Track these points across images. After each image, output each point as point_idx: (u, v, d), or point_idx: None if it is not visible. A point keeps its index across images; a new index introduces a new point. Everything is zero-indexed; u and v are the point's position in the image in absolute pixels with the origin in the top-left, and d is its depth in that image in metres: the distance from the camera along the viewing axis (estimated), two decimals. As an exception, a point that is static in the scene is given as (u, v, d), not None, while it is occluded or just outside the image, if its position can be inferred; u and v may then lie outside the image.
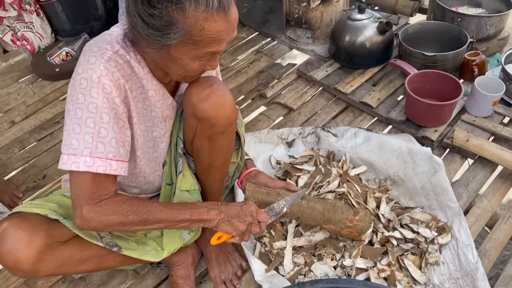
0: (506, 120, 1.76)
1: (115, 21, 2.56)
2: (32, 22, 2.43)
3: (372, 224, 1.32)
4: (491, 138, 1.68)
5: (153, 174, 1.21)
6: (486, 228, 1.48)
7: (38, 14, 2.45)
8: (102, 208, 0.96)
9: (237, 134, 1.25)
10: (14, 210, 1.03)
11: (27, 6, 2.39)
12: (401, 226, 1.40)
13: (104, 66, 0.92)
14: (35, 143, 1.93)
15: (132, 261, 1.19)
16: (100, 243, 1.04)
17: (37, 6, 2.45)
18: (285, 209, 1.21)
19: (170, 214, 1.03)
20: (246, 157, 1.39)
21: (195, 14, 0.84)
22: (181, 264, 1.31)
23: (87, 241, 1.02)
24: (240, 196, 1.49)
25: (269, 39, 2.44)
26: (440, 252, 1.35)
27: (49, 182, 1.73)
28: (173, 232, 1.21)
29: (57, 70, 2.28)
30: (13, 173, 1.80)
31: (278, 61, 2.28)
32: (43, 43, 2.50)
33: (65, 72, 2.27)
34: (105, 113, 0.93)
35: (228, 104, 1.08)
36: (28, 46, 2.44)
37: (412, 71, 1.78)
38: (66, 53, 2.34)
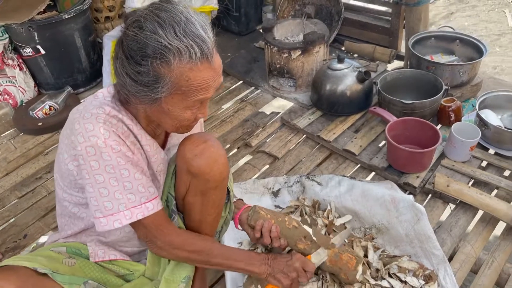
0: (484, 163, 1.81)
1: (99, 73, 2.60)
2: (15, 77, 2.44)
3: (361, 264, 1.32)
4: (471, 183, 1.72)
5: None
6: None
7: (21, 69, 2.47)
8: (169, 243, 1.09)
9: (227, 190, 1.26)
10: (2, 264, 1.00)
11: (10, 61, 2.41)
12: (389, 275, 1.39)
13: (104, 129, 0.95)
14: (16, 200, 1.89)
15: None
16: None
17: (20, 60, 2.47)
18: (326, 256, 1.27)
19: (229, 261, 1.17)
20: (235, 198, 1.40)
21: (180, 66, 0.89)
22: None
23: None
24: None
25: (252, 88, 2.50)
26: (428, 302, 1.34)
27: (30, 242, 1.68)
28: (171, 282, 1.20)
29: (39, 124, 2.28)
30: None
31: (262, 109, 2.32)
32: (26, 97, 2.50)
33: (48, 126, 2.27)
34: (124, 169, 0.98)
35: (221, 160, 1.11)
36: (10, 101, 2.43)
37: (392, 118, 1.83)
38: (49, 106, 2.34)
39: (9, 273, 0.96)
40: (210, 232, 1.25)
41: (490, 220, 1.59)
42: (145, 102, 0.95)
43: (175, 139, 1.20)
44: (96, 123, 0.95)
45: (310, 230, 1.29)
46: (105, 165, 0.95)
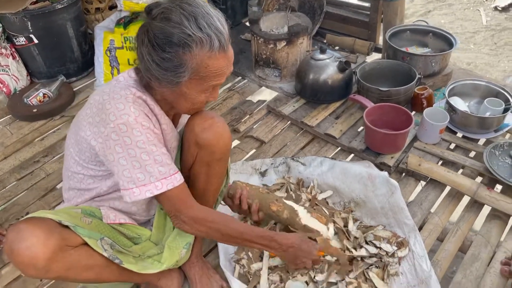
0: (452, 146, 1.98)
1: (90, 63, 2.69)
2: (8, 65, 2.51)
3: (333, 225, 1.51)
4: (440, 162, 1.89)
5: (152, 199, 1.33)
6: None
7: (14, 58, 2.54)
8: (192, 218, 1.18)
9: None
10: (28, 216, 1.10)
11: (3, 50, 2.48)
12: (366, 243, 1.55)
13: (134, 108, 1.07)
14: (16, 182, 1.98)
15: (127, 278, 1.28)
16: (104, 253, 1.14)
17: (13, 49, 2.55)
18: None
19: (245, 243, 1.27)
20: None
21: (201, 54, 1.02)
22: (169, 287, 1.41)
23: (92, 250, 1.12)
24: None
25: (239, 78, 2.62)
26: (399, 264, 1.50)
27: (33, 219, 1.78)
28: (174, 248, 1.32)
29: (34, 110, 2.36)
30: (-6, 212, 1.85)
31: (249, 98, 2.46)
32: (19, 85, 2.57)
33: (43, 112, 2.36)
34: (152, 144, 1.09)
35: (226, 134, 1.27)
36: (4, 89, 2.51)
37: (370, 104, 1.99)
38: (44, 94, 2.43)
39: (38, 221, 1.07)
40: (211, 201, 1.40)
41: (456, 195, 1.76)
42: (166, 86, 1.08)
43: (184, 119, 1.34)
44: (126, 103, 1.07)
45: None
46: (137, 140, 1.07)
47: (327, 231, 1.47)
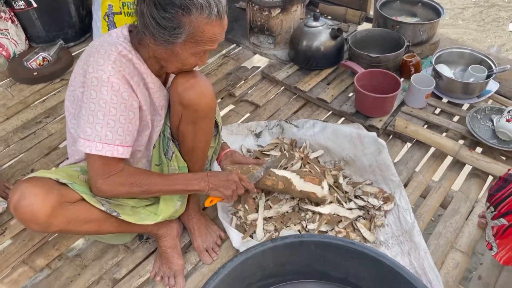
0: (437, 111, 2.09)
1: (88, 28, 2.72)
2: (7, 29, 2.53)
3: (326, 181, 1.60)
4: (425, 126, 2.00)
5: (146, 153, 1.42)
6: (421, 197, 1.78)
7: (13, 22, 2.56)
8: (113, 181, 1.21)
9: (215, 122, 1.48)
10: (28, 176, 1.20)
11: (2, 14, 2.50)
12: (355, 197, 1.67)
13: (112, 67, 1.13)
14: (19, 140, 2.05)
15: (127, 229, 1.39)
16: (102, 208, 1.24)
17: (12, 13, 2.56)
18: (262, 174, 1.50)
19: (167, 186, 1.29)
20: (222, 141, 1.63)
21: (199, 19, 1.09)
22: (168, 236, 1.51)
23: (91, 204, 1.22)
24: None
25: (234, 45, 2.68)
26: (385, 217, 1.63)
27: (38, 175, 1.87)
28: (168, 201, 1.41)
29: (35, 74, 2.40)
30: (0, 169, 1.92)
31: (244, 64, 2.53)
32: (18, 49, 2.60)
33: (43, 75, 2.40)
34: (113, 107, 1.15)
35: (209, 93, 1.31)
36: (3, 52, 2.54)
37: (360, 70, 2.08)
38: (43, 58, 2.47)
39: (37, 180, 1.17)
40: (202, 156, 1.46)
41: (439, 156, 1.88)
42: (160, 44, 1.13)
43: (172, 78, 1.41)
44: (107, 60, 1.13)
45: (272, 169, 1.56)
46: (100, 98, 1.13)
47: (322, 190, 1.57)
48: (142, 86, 1.23)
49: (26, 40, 2.66)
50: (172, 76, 1.39)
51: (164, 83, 1.38)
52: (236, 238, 1.54)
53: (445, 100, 2.13)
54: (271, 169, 1.55)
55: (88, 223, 1.27)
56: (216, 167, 1.65)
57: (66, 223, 1.20)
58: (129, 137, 1.20)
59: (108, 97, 1.13)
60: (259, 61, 2.59)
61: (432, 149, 1.90)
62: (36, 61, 2.44)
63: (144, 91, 1.24)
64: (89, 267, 1.53)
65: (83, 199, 1.22)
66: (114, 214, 1.28)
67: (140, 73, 1.22)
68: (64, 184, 1.20)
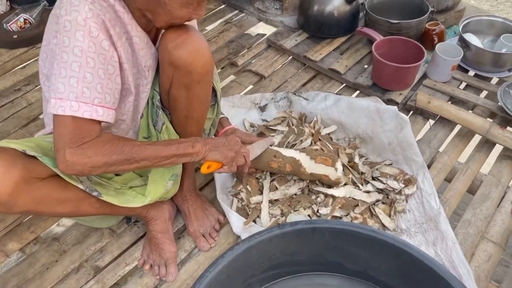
0: (462, 85, 1.88)
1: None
2: (-14, -12, 2.31)
3: (340, 161, 1.41)
4: (450, 102, 1.79)
5: (132, 124, 1.20)
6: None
7: (-8, -20, 2.33)
8: (85, 150, 0.94)
9: (213, 90, 1.26)
10: None
11: (-20, -29, 2.27)
12: (373, 179, 1.47)
13: (89, 8, 0.90)
14: (-5, 110, 1.85)
15: (109, 211, 1.18)
16: (80, 186, 1.03)
17: (-9, -29, 2.33)
18: (259, 151, 1.31)
19: (155, 150, 1.04)
20: (221, 116, 1.41)
21: None
22: (158, 219, 1.31)
23: (66, 181, 1.01)
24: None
25: (237, 11, 2.44)
26: (407, 202, 1.43)
27: (14, 148, 1.66)
28: (158, 181, 1.21)
29: (15, 37, 2.17)
30: (-26, 140, 1.72)
31: (248, 31, 2.29)
32: (-2, 11, 2.38)
33: (24, 39, 2.18)
34: (91, 57, 0.91)
35: (204, 51, 1.07)
36: (-19, 13, 2.32)
37: (378, 37, 1.86)
38: (24, 20, 2.23)
39: None
40: (197, 129, 1.25)
41: (466, 134, 1.67)
42: None
43: None
44: (84, 0, 0.90)
45: (278, 149, 1.37)
46: (75, 45, 0.89)
47: (336, 172, 1.37)
48: (124, 39, 1.00)
49: (7, 1, 2.41)
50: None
51: (154, 41, 1.14)
52: (236, 223, 1.35)
53: (471, 73, 1.91)
54: (278, 149, 1.35)
55: (63, 203, 1.06)
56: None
57: (35, 203, 1.00)
58: (109, 96, 0.97)
59: (84, 44, 0.90)
60: (264, 29, 2.35)
61: (458, 127, 1.70)
62: (16, 23, 2.21)
63: (126, 47, 1.01)
64: (68, 253, 1.34)
65: (56, 175, 1.01)
66: (95, 194, 1.08)
67: (123, 24, 0.99)
68: (33, 157, 0.99)
